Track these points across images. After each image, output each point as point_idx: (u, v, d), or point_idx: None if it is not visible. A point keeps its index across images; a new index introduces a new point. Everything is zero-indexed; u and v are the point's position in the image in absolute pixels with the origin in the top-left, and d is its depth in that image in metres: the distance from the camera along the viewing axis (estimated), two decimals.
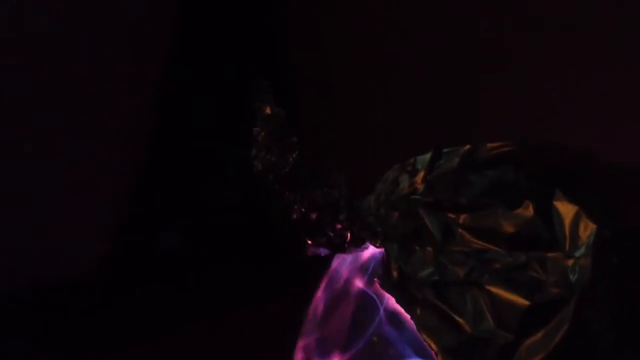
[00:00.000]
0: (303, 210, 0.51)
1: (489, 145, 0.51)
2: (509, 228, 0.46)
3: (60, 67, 0.53)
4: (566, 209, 0.46)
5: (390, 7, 0.63)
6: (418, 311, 0.47)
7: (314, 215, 0.51)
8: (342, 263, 0.54)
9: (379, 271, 0.49)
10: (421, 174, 0.50)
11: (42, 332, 0.58)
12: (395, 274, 0.48)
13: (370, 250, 0.52)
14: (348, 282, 0.53)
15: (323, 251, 0.53)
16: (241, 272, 0.60)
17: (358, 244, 0.51)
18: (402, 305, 0.48)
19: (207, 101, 0.63)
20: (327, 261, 0.53)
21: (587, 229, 0.45)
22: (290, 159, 0.51)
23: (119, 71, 0.55)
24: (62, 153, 0.54)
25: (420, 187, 0.50)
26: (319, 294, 0.54)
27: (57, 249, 0.56)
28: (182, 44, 0.60)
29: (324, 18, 0.63)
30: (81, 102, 0.54)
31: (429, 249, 0.47)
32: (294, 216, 0.51)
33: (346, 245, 0.51)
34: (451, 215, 0.47)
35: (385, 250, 0.49)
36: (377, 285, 0.50)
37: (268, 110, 0.51)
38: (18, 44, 0.50)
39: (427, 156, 0.51)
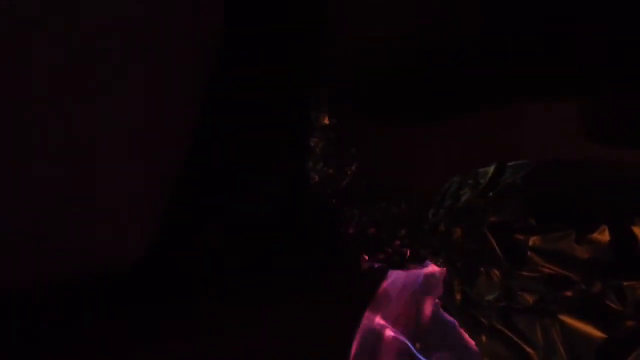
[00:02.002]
0: (361, 224, 0.49)
1: (556, 160, 0.48)
2: (583, 253, 0.43)
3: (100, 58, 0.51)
4: None
5: None
6: (483, 338, 0.45)
7: (372, 230, 0.49)
8: (396, 280, 0.51)
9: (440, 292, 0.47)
10: (484, 189, 0.48)
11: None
12: (458, 296, 0.46)
13: (430, 269, 0.49)
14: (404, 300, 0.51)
15: (378, 266, 0.51)
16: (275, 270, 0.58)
17: (418, 261, 0.49)
18: (465, 330, 0.46)
19: (252, 101, 0.61)
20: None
21: None
22: (349, 172, 0.49)
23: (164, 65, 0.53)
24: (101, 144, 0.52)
25: (484, 203, 0.47)
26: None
27: (92, 239, 0.54)
28: (231, 43, 0.58)
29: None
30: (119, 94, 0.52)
31: (496, 271, 0.45)
32: (351, 231, 0.49)
33: (405, 262, 0.49)
34: (520, 237, 0.45)
35: (447, 270, 0.47)
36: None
37: (326, 120, 0.49)
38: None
39: (489, 170, 0.49)
